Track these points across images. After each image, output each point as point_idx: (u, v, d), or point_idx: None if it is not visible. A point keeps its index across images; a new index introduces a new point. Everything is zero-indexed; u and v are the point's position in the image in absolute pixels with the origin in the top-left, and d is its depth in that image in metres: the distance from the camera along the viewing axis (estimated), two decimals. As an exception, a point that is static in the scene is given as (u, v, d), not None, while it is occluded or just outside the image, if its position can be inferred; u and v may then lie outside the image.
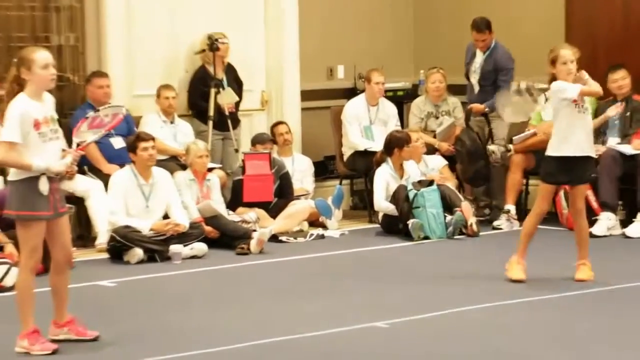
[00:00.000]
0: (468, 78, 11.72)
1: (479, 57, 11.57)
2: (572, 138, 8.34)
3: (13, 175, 6.82)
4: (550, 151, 8.44)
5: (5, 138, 6.72)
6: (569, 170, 8.39)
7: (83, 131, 7.13)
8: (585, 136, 8.41)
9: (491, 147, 11.17)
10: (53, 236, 6.91)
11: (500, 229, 10.85)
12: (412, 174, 10.96)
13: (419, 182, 10.75)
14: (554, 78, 8.43)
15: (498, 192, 11.35)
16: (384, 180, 10.91)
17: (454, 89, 12.10)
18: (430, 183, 10.71)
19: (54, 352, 6.77)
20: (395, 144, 10.99)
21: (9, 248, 8.99)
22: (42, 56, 6.83)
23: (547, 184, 8.53)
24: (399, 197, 10.61)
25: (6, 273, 8.63)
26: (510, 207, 10.99)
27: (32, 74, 6.76)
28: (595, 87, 8.36)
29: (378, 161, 11.12)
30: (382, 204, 10.86)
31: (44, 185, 6.73)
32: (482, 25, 11.49)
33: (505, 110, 9.59)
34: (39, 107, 6.79)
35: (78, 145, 7.02)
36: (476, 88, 11.63)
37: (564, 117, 8.35)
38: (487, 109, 11.40)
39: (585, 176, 8.55)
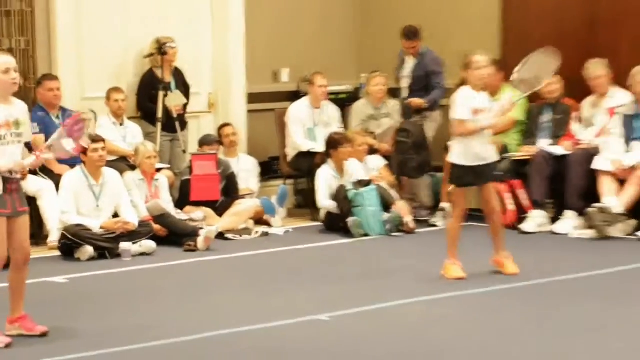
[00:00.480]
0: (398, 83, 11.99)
1: (410, 63, 11.82)
2: (471, 150, 8.48)
3: None
4: (454, 159, 8.56)
5: None
6: (474, 174, 8.51)
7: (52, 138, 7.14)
8: (482, 148, 8.53)
9: (443, 205, 11.08)
10: (11, 234, 6.95)
11: (436, 226, 10.94)
12: (354, 173, 11.05)
13: (359, 181, 10.88)
14: (463, 82, 8.53)
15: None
16: (325, 180, 11.01)
17: (393, 92, 12.17)
18: (368, 183, 10.84)
19: (7, 346, 6.81)
20: (331, 145, 11.13)
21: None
22: (1, 61, 6.88)
23: (458, 187, 8.63)
24: (340, 196, 10.74)
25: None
26: (446, 205, 11.05)
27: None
28: (473, 125, 8.39)
29: (318, 163, 11.24)
30: (325, 202, 10.95)
31: None
32: (411, 34, 11.71)
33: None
34: (1, 110, 6.84)
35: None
36: (406, 93, 11.83)
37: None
38: (426, 104, 11.63)
39: (490, 177, 8.63)
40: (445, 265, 8.62)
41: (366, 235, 10.54)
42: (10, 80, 6.87)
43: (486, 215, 8.75)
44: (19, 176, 6.96)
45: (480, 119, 8.45)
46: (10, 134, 6.86)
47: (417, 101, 11.64)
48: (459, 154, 8.53)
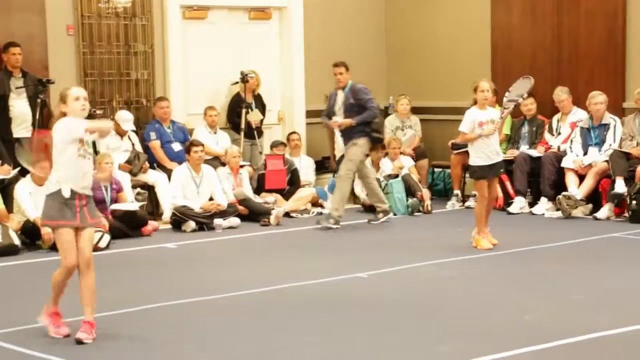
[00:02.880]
0: (330, 118, 10.08)
1: (340, 96, 9.99)
2: (483, 153, 8.38)
3: None
4: (473, 161, 8.48)
5: None
6: (486, 170, 8.43)
7: None
8: (491, 151, 8.41)
9: (456, 191, 10.90)
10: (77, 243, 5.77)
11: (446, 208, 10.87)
12: (385, 169, 10.96)
13: (389, 175, 10.82)
14: (475, 102, 8.49)
15: None
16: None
17: (414, 110, 12.14)
18: (396, 176, 10.76)
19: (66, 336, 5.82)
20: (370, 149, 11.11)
21: (102, 221, 9.05)
22: (74, 91, 5.82)
23: (477, 180, 8.58)
24: None
25: (100, 238, 8.65)
26: (458, 191, 11.05)
27: (67, 106, 5.75)
28: (471, 136, 8.30)
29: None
30: (360, 193, 10.94)
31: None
32: (338, 63, 10.03)
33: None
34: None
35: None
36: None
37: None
38: (354, 123, 9.79)
39: (497, 172, 8.57)
40: (476, 239, 8.45)
41: (394, 214, 10.43)
42: (79, 107, 5.76)
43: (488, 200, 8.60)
44: (89, 192, 5.78)
45: (484, 129, 8.36)
46: (83, 150, 5.73)
47: (345, 122, 9.77)
48: (477, 157, 8.43)
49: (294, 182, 11.17)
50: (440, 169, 11.83)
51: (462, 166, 10.98)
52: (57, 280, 5.78)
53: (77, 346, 5.65)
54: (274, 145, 11.46)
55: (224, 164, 10.76)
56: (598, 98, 10.34)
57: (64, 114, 5.77)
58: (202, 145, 10.25)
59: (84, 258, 5.69)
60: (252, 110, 11.38)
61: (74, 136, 5.64)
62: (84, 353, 5.54)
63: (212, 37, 11.68)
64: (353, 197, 11.46)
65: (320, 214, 10.72)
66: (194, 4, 11.54)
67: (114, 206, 9.40)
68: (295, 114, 12.33)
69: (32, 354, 5.51)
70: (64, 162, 5.68)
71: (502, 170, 8.74)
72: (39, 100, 9.83)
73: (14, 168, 9.57)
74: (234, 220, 9.94)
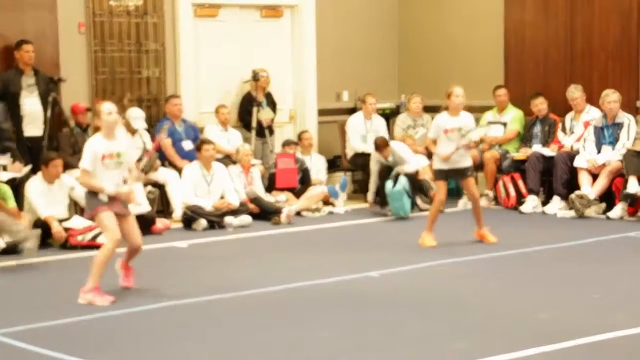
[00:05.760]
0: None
1: None
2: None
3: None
4: (434, 164, 8.54)
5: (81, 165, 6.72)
6: (451, 173, 8.46)
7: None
8: (456, 155, 8.41)
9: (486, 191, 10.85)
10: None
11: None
12: (403, 155, 10.61)
13: (396, 177, 10.46)
14: (446, 107, 8.45)
15: None
16: (376, 164, 10.78)
17: (425, 109, 12.07)
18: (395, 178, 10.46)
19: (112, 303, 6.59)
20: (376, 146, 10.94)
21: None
22: (105, 107, 6.75)
23: (439, 181, 8.54)
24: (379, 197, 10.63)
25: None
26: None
27: (101, 120, 6.73)
28: (432, 146, 8.45)
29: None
30: (370, 197, 10.79)
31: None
32: None
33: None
34: (106, 145, 6.71)
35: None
36: None
37: (441, 142, 8.43)
38: None
39: (465, 174, 8.55)
40: (422, 236, 8.51)
41: (401, 215, 10.31)
42: (112, 120, 6.72)
43: (471, 200, 8.65)
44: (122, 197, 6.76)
45: (449, 136, 8.38)
46: (113, 163, 6.70)
47: None
48: (438, 160, 8.49)
49: (305, 180, 11.15)
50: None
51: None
52: (108, 257, 6.66)
53: (89, 343, 5.69)
54: (285, 143, 11.45)
55: (235, 162, 10.76)
56: (612, 96, 10.28)
57: (98, 128, 6.82)
58: (213, 143, 10.25)
59: (138, 243, 6.88)
60: (263, 108, 11.39)
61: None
62: (95, 351, 5.54)
63: (224, 35, 11.67)
64: (364, 196, 11.40)
65: (331, 212, 10.75)
66: (205, 2, 11.53)
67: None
68: (307, 113, 12.31)
69: (41, 351, 5.52)
70: (96, 172, 6.68)
71: (469, 173, 8.66)
72: (50, 99, 9.84)
73: (25, 166, 9.58)
74: (245, 219, 9.93)
